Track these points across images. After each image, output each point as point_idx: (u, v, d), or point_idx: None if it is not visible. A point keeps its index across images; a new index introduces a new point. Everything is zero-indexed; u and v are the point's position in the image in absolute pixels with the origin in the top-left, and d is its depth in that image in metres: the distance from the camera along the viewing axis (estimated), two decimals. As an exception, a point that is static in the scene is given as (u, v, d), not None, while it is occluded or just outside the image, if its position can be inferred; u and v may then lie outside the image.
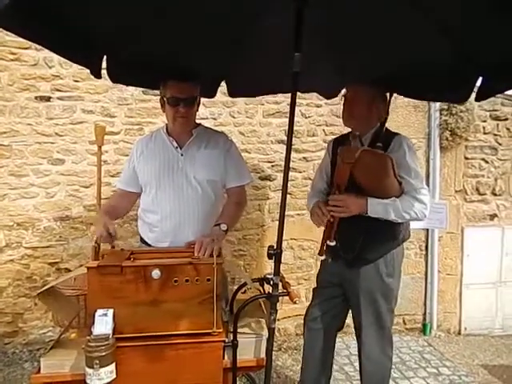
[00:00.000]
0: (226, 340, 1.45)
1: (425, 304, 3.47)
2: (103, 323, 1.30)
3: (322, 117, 3.21)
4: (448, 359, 3.03)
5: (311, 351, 2.01)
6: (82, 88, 2.87)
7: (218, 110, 3.06)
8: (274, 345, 1.51)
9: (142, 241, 1.99)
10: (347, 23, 1.50)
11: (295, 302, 1.49)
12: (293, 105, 1.43)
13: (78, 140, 2.90)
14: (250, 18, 1.55)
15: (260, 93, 2.50)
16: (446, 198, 3.38)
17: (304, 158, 3.21)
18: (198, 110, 1.94)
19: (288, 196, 1.64)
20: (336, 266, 1.94)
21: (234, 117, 3.10)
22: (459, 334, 3.51)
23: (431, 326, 3.45)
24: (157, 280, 1.37)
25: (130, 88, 2.86)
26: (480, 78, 1.61)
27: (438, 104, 3.27)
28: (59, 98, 2.85)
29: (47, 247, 2.90)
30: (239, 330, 1.49)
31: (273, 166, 3.18)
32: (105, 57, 1.71)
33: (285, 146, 1.47)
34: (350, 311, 2.00)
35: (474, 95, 1.70)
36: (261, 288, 1.77)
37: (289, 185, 1.51)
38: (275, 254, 1.46)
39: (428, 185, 3.24)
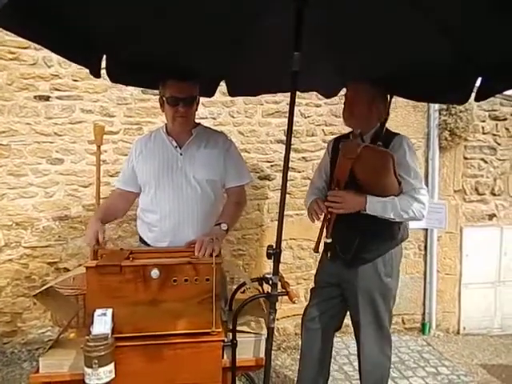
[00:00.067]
0: (225, 339, 1.45)
1: (424, 304, 3.48)
2: (102, 323, 1.30)
3: (321, 117, 3.21)
4: (447, 359, 3.03)
5: (309, 351, 2.01)
6: (81, 87, 2.87)
7: (217, 109, 3.06)
8: (273, 344, 1.51)
9: (142, 240, 1.99)
10: (347, 23, 1.50)
11: (294, 302, 1.49)
12: (292, 104, 1.43)
13: (77, 139, 2.89)
14: (250, 18, 1.55)
15: (260, 92, 2.50)
16: (445, 198, 3.38)
17: (303, 157, 3.21)
18: (197, 110, 1.94)
19: (287, 196, 1.65)
20: (334, 267, 1.94)
21: (233, 116, 3.10)
22: (458, 333, 3.51)
23: (430, 325, 3.46)
24: (156, 280, 1.37)
25: (129, 88, 2.86)
26: (479, 78, 1.61)
27: (437, 104, 3.27)
28: (58, 98, 2.85)
29: (46, 247, 2.90)
30: (238, 328, 1.49)
31: (272, 165, 3.18)
32: (104, 56, 1.71)
33: (284, 146, 1.48)
34: (349, 311, 2.00)
35: (473, 95, 1.70)
36: (260, 287, 1.77)
37: (288, 184, 1.51)
38: (274, 253, 1.46)
39: (427, 185, 3.25)
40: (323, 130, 3.23)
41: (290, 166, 1.48)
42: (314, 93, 2.76)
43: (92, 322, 1.30)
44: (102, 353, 1.23)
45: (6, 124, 2.79)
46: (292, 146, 1.67)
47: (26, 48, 2.76)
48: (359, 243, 1.82)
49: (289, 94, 1.44)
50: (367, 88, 1.80)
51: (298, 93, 1.48)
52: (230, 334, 1.47)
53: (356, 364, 2.00)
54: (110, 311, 1.33)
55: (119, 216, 2.04)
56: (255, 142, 3.14)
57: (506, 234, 3.50)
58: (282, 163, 1.51)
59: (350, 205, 1.73)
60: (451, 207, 3.39)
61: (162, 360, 1.38)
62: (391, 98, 1.94)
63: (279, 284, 1.49)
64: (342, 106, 1.91)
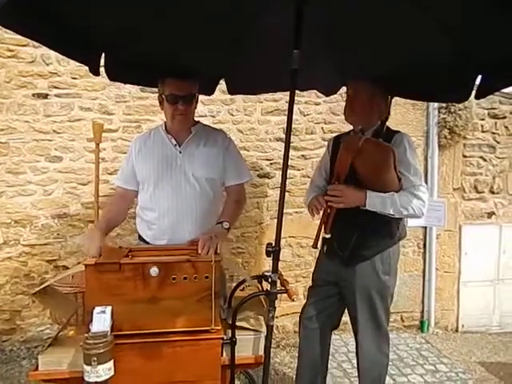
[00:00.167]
0: (225, 337, 1.45)
1: (422, 301, 3.49)
2: (101, 320, 1.30)
3: (320, 115, 3.21)
4: (445, 356, 3.04)
5: (307, 350, 2.02)
6: (79, 85, 2.86)
7: (216, 107, 3.05)
8: (272, 342, 1.51)
9: (140, 238, 1.98)
10: (347, 21, 1.50)
11: (293, 300, 1.49)
12: (291, 102, 1.42)
13: (76, 137, 2.89)
14: (250, 18, 1.54)
15: (259, 91, 2.50)
16: (444, 196, 3.39)
17: (302, 155, 3.21)
18: (196, 108, 1.93)
19: (286, 194, 1.65)
20: (332, 265, 1.94)
21: (232, 114, 3.09)
22: (457, 331, 3.52)
23: (429, 323, 3.47)
24: (155, 277, 1.37)
25: (128, 85, 2.84)
26: (479, 76, 1.61)
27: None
28: (57, 96, 2.84)
29: (45, 245, 2.90)
30: (237, 323, 1.49)
31: (271, 163, 3.18)
32: (103, 54, 1.71)
33: (283, 144, 1.47)
34: (347, 309, 2.00)
35: (473, 93, 1.70)
36: (259, 285, 1.77)
37: (287, 182, 1.51)
38: (273, 251, 1.46)
39: (426, 183, 3.25)
40: (322, 128, 3.23)
41: (289, 164, 1.48)
42: (314, 91, 2.76)
43: (91, 320, 1.30)
44: (101, 350, 1.23)
45: (5, 122, 2.79)
46: (291, 144, 1.67)
47: (24, 46, 2.75)
48: (357, 239, 1.82)
49: (288, 91, 1.44)
50: (367, 85, 1.80)
51: (297, 91, 1.48)
52: (229, 331, 1.47)
53: (355, 361, 2.01)
54: (109, 309, 1.33)
55: (121, 220, 2.01)
56: (254, 140, 3.14)
57: (505, 232, 3.51)
58: (281, 161, 1.51)
59: (349, 199, 1.73)
60: (450, 205, 3.39)
61: (161, 358, 1.38)
62: (392, 97, 1.94)
63: (278, 282, 1.49)
64: (341, 104, 1.91)
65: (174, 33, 1.60)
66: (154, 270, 1.36)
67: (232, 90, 2.32)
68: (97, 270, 1.36)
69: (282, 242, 1.68)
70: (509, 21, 1.23)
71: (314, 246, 1.84)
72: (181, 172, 1.85)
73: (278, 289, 1.48)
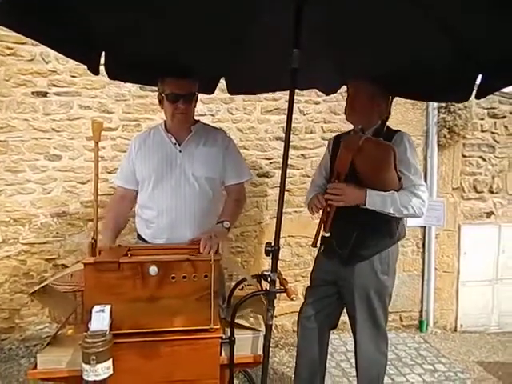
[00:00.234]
0: (224, 336, 1.45)
1: (421, 301, 3.49)
2: (100, 319, 1.30)
3: (320, 114, 3.21)
4: (444, 356, 3.05)
5: (305, 349, 2.02)
6: (79, 83, 2.86)
7: (216, 106, 3.05)
8: (271, 341, 1.51)
9: (139, 237, 1.98)
10: (347, 20, 1.50)
11: (292, 299, 1.49)
12: (291, 102, 1.42)
13: (75, 136, 2.88)
14: (250, 18, 1.54)
15: (260, 90, 2.50)
16: (443, 196, 3.39)
17: (302, 155, 3.21)
18: (196, 107, 1.93)
19: (286, 193, 1.65)
20: (331, 264, 1.94)
21: (232, 113, 3.09)
22: (455, 330, 3.53)
23: (427, 322, 3.47)
24: (154, 276, 1.37)
25: (128, 84, 2.84)
26: (479, 76, 1.61)
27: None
28: (56, 94, 2.84)
29: (44, 243, 2.90)
30: (236, 321, 1.49)
31: (271, 162, 3.17)
32: (103, 53, 1.70)
33: (283, 143, 1.47)
34: (345, 309, 2.00)
35: (473, 93, 1.70)
36: (258, 284, 1.77)
37: (286, 182, 1.51)
38: (273, 250, 1.46)
39: (425, 182, 3.24)
40: (322, 127, 3.22)
41: (288, 163, 1.48)
42: (313, 90, 2.76)
43: (90, 319, 1.30)
44: (100, 349, 1.23)
45: (4, 120, 2.78)
46: (291, 144, 1.67)
47: (23, 43, 2.74)
48: (356, 238, 1.82)
49: (288, 91, 1.44)
50: (368, 85, 1.80)
51: (297, 90, 1.48)
52: (228, 330, 1.47)
53: (353, 361, 2.01)
54: (108, 308, 1.33)
55: (126, 222, 2.01)
56: (254, 139, 3.14)
57: (504, 232, 3.51)
58: (280, 160, 1.51)
59: (349, 197, 1.73)
60: (449, 205, 3.40)
61: (160, 357, 1.38)
62: (393, 98, 1.95)
63: (277, 281, 1.49)
64: (341, 103, 1.91)
65: (174, 32, 1.60)
66: (153, 269, 1.36)
67: (232, 90, 2.32)
68: (96, 268, 1.35)
69: (282, 241, 1.68)
70: (509, 20, 1.23)
71: (314, 244, 1.83)
72: (181, 171, 1.85)
73: (277, 288, 1.48)
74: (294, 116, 1.50)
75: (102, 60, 1.73)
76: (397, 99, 2.04)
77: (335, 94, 2.53)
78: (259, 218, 3.19)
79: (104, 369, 1.24)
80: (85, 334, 1.26)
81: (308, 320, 2.00)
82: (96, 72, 1.67)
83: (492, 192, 3.48)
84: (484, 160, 3.45)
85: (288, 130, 1.44)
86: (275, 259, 1.47)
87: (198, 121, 1.98)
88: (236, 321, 1.49)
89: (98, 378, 1.23)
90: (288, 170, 1.51)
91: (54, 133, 2.85)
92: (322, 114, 3.21)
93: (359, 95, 1.82)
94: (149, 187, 1.88)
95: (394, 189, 1.75)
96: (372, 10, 1.39)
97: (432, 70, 1.68)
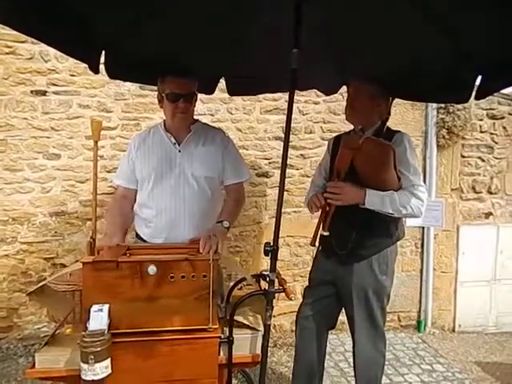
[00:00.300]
0: (222, 336, 1.45)
1: (420, 301, 3.50)
2: (98, 319, 1.30)
3: (319, 114, 3.21)
4: (442, 356, 3.05)
5: (303, 349, 2.02)
6: (78, 82, 2.85)
7: (215, 106, 3.05)
8: (269, 341, 1.51)
9: (138, 236, 1.98)
10: (347, 20, 1.50)
11: (291, 299, 1.49)
12: (291, 102, 1.42)
13: (74, 135, 2.88)
14: (250, 18, 1.54)
15: (260, 91, 2.49)
16: (442, 196, 3.40)
17: (301, 155, 3.21)
18: (195, 106, 1.93)
19: (285, 193, 1.64)
20: (329, 264, 1.94)
21: (231, 113, 3.09)
22: (453, 331, 3.53)
23: (426, 323, 3.48)
24: (153, 276, 1.37)
25: (127, 83, 2.84)
26: (479, 77, 1.61)
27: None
28: (55, 93, 2.83)
29: (43, 242, 2.89)
30: (235, 318, 1.49)
31: (270, 162, 3.17)
32: (103, 52, 1.70)
33: (282, 143, 1.48)
34: (344, 308, 2.01)
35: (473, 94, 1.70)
36: (257, 284, 1.77)
37: (286, 182, 1.51)
38: (271, 250, 1.46)
39: (424, 183, 3.23)
40: (321, 127, 3.23)
41: (288, 163, 1.48)
42: (313, 90, 2.75)
43: (88, 318, 1.30)
44: (99, 348, 1.23)
45: (3, 119, 2.78)
46: (290, 143, 1.67)
47: (22, 42, 2.74)
48: (356, 238, 1.82)
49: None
50: (368, 85, 1.81)
51: (296, 90, 1.48)
52: (227, 330, 1.47)
53: (351, 361, 2.01)
54: (106, 307, 1.33)
55: (132, 222, 2.00)
56: (253, 138, 3.14)
57: (502, 233, 3.52)
58: (280, 160, 1.51)
59: (348, 196, 1.73)
60: (448, 205, 3.40)
61: (159, 356, 1.38)
62: (393, 99, 1.95)
63: (276, 281, 1.49)
64: (341, 103, 1.91)
65: (173, 32, 1.60)
66: (151, 269, 1.36)
67: (232, 91, 2.32)
68: (94, 268, 1.35)
69: (280, 241, 1.68)
70: (508, 21, 1.23)
71: (312, 243, 1.83)
72: (180, 171, 1.85)
73: (275, 288, 1.48)
74: (293, 116, 1.50)
75: (102, 59, 1.73)
76: (396, 100, 2.04)
77: (335, 94, 2.53)
78: (258, 218, 3.19)
79: (102, 368, 1.24)
80: (83, 333, 1.26)
81: (306, 320, 2.00)
82: (96, 71, 1.66)
83: (490, 193, 3.49)
84: (483, 161, 3.46)
85: (287, 129, 1.44)
86: (274, 259, 1.47)
87: (197, 120, 1.98)
88: (235, 318, 1.49)
89: (96, 378, 1.23)
90: (287, 170, 1.51)
91: (53, 132, 2.85)
92: (322, 114, 3.21)
93: (359, 95, 1.83)
94: (148, 186, 1.88)
95: (393, 189, 1.75)
96: (372, 10, 1.39)
97: (432, 70, 1.68)
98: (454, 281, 3.52)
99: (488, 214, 3.51)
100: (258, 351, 1.51)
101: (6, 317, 2.89)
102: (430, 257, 3.42)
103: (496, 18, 1.24)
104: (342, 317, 2.05)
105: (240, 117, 3.10)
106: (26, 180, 2.84)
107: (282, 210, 1.48)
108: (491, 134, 3.45)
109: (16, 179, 2.83)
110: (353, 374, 2.00)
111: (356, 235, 1.83)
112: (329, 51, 1.80)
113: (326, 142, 2.21)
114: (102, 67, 1.75)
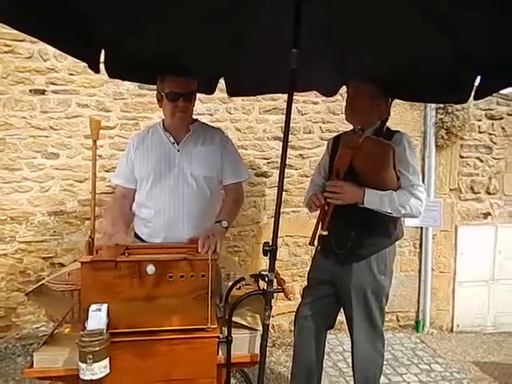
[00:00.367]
0: (221, 336, 1.45)
1: (418, 301, 3.50)
2: (97, 318, 1.30)
3: (318, 114, 3.21)
4: (440, 356, 3.06)
5: (302, 349, 2.02)
6: (77, 82, 2.85)
7: (214, 105, 3.05)
8: (268, 341, 1.51)
9: (136, 236, 1.98)
10: (347, 20, 1.50)
11: (290, 299, 1.49)
12: (289, 102, 1.42)
13: (73, 134, 2.87)
14: (250, 18, 1.54)
15: (259, 92, 2.49)
16: (440, 197, 3.40)
17: (300, 155, 3.21)
18: (194, 105, 1.93)
19: (284, 193, 1.65)
20: (328, 263, 1.94)
21: (230, 113, 3.09)
22: (451, 331, 3.54)
23: (424, 323, 3.48)
24: (151, 275, 1.37)
25: (126, 82, 2.84)
26: (478, 77, 1.61)
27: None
28: (54, 92, 2.83)
29: (41, 242, 2.89)
30: (233, 318, 1.49)
31: (269, 162, 3.17)
32: (103, 51, 1.70)
33: (281, 143, 1.47)
34: (342, 308, 2.01)
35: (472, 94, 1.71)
36: (256, 284, 1.77)
37: (285, 182, 1.51)
38: (270, 250, 1.46)
39: (423, 183, 3.25)
40: (320, 127, 3.23)
41: (286, 163, 1.49)
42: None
43: (87, 318, 1.30)
44: (97, 348, 1.23)
45: (1, 118, 2.77)
46: (289, 143, 1.67)
47: (21, 41, 2.73)
48: (355, 238, 1.83)
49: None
50: (368, 85, 1.81)
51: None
52: (225, 330, 1.47)
53: (350, 361, 2.01)
54: (104, 307, 1.33)
55: (132, 220, 1.99)
56: (252, 138, 3.14)
57: (501, 233, 3.53)
58: (278, 160, 1.51)
59: (348, 195, 1.73)
60: (446, 205, 3.41)
61: (157, 356, 1.38)
62: (392, 100, 1.95)
63: (275, 281, 1.49)
64: (340, 103, 1.92)
65: (173, 32, 1.60)
66: (150, 268, 1.36)
67: (231, 92, 2.31)
68: (93, 267, 1.35)
69: (279, 241, 1.68)
70: (508, 22, 1.23)
71: (311, 242, 1.83)
72: (179, 170, 1.85)
73: (274, 288, 1.48)
74: (292, 116, 1.50)
75: (102, 58, 1.73)
76: (395, 100, 2.05)
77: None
78: (257, 218, 3.19)
79: (101, 368, 1.24)
80: (81, 332, 1.26)
81: (305, 320, 2.00)
82: (96, 70, 1.66)
83: (489, 193, 3.49)
84: (481, 161, 3.46)
85: (286, 129, 1.44)
86: (273, 259, 1.47)
87: (196, 120, 1.98)
88: (233, 318, 1.49)
89: (94, 377, 1.23)
90: (286, 170, 1.51)
91: (52, 131, 2.84)
92: (321, 114, 3.21)
93: (359, 96, 1.83)
94: (147, 186, 1.87)
95: (392, 188, 1.75)
96: (372, 10, 1.39)
97: (432, 70, 1.68)
98: (452, 281, 3.53)
99: (486, 215, 3.52)
100: (257, 351, 1.51)
101: (5, 316, 2.88)
102: (428, 257, 3.43)
103: (496, 18, 1.24)
104: (341, 316, 2.05)
105: (239, 117, 3.10)
106: (24, 179, 2.83)
107: (281, 210, 1.48)
108: (490, 134, 3.46)
109: (14, 178, 2.82)
110: (351, 373, 2.00)
111: (355, 234, 1.83)
112: (329, 51, 1.80)
113: (325, 142, 2.21)
114: (101, 66, 1.75)
